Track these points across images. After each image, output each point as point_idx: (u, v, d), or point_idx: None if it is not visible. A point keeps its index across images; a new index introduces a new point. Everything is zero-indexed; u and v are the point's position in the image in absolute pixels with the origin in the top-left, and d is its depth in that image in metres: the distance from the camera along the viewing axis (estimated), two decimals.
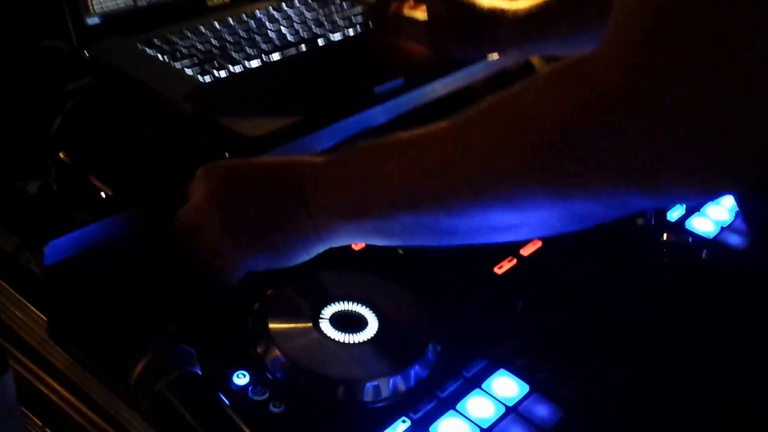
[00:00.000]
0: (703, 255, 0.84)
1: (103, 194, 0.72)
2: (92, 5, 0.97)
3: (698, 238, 0.86)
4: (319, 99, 0.88)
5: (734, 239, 0.87)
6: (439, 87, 0.98)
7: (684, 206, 0.89)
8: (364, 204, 0.62)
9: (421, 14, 0.99)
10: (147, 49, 0.95)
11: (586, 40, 0.88)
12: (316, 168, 0.65)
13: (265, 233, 0.65)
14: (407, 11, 1.00)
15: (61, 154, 0.75)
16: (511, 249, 0.82)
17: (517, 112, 0.55)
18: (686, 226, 0.88)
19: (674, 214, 0.89)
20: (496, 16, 0.92)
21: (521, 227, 0.58)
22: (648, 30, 0.47)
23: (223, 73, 0.92)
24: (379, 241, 0.65)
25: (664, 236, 0.86)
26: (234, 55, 0.96)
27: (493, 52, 0.99)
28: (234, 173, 0.68)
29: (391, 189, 0.61)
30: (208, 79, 0.90)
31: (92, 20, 0.97)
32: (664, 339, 0.73)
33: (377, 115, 0.91)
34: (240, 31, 1.02)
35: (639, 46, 0.47)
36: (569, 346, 0.73)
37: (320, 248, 0.66)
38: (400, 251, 0.78)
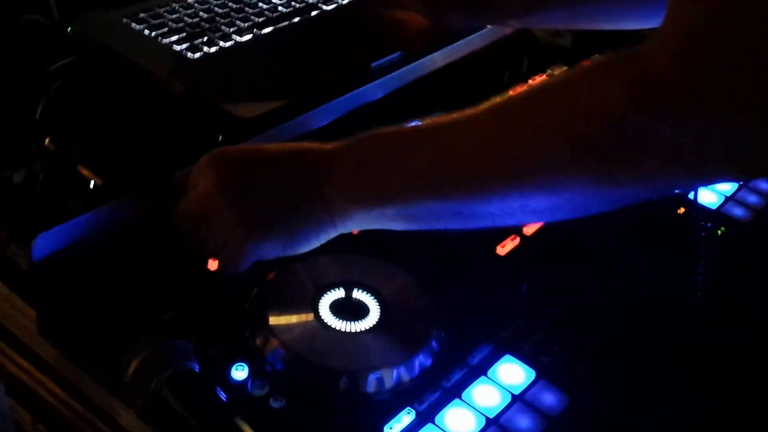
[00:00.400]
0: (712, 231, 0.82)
1: (92, 183, 0.69)
2: None
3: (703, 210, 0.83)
4: (314, 76, 0.85)
5: (738, 211, 0.84)
6: (438, 58, 0.95)
7: None
8: (387, 190, 0.61)
9: None
10: (133, 24, 0.92)
11: (590, 14, 0.86)
12: (330, 155, 0.63)
13: (278, 221, 0.63)
14: None
15: (46, 141, 0.72)
16: (514, 227, 0.79)
17: (565, 101, 0.54)
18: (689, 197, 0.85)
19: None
20: None
21: (557, 210, 0.58)
22: (706, 20, 0.47)
23: (213, 49, 0.88)
24: (397, 227, 0.63)
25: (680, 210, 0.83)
26: (224, 28, 0.92)
27: (494, 21, 0.96)
28: (243, 161, 0.66)
29: (419, 175, 0.60)
30: (198, 55, 0.87)
31: None
32: (675, 321, 0.71)
33: (375, 90, 0.88)
34: (230, 3, 0.98)
35: (697, 37, 0.47)
36: (576, 328, 0.71)
37: (333, 234, 0.64)
38: None
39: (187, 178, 0.69)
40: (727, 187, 0.87)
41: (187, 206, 0.68)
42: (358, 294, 0.69)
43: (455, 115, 0.59)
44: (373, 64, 0.87)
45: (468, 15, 0.92)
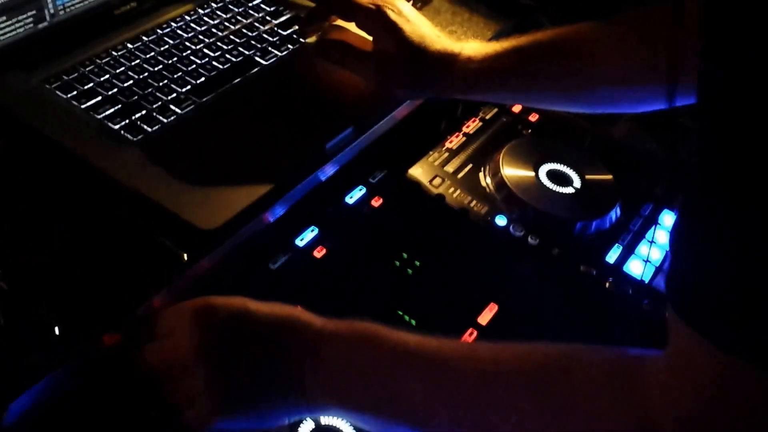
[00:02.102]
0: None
1: (56, 330, 0.64)
2: None
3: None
4: (270, 163, 0.80)
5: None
6: (384, 124, 0.93)
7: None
8: (370, 405, 0.61)
9: (364, 43, 0.92)
10: (59, 93, 0.84)
11: (536, 98, 0.87)
12: (318, 338, 0.62)
13: (252, 401, 0.62)
14: (348, 36, 0.93)
15: None
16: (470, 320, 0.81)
17: (558, 404, 0.54)
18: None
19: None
20: (448, 61, 0.87)
21: None
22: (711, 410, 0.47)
23: (153, 127, 0.82)
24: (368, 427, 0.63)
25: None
26: (160, 95, 0.86)
27: (440, 97, 0.95)
28: (230, 326, 0.63)
29: (404, 406, 0.60)
30: (137, 136, 0.81)
31: None
32: None
33: (328, 168, 0.86)
34: (159, 57, 0.91)
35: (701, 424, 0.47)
36: None
37: (301, 416, 0.64)
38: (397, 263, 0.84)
39: (157, 318, 0.66)
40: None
41: (157, 354, 0.65)
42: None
43: (456, 348, 0.61)
44: (328, 145, 0.84)
45: (414, 89, 0.90)
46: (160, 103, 0.85)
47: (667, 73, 0.77)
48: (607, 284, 0.87)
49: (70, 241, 0.71)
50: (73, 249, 0.70)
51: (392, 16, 0.87)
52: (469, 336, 0.80)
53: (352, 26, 0.93)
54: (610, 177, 0.97)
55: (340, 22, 0.96)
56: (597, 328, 0.82)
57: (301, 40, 0.97)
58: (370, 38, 0.91)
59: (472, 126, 1.05)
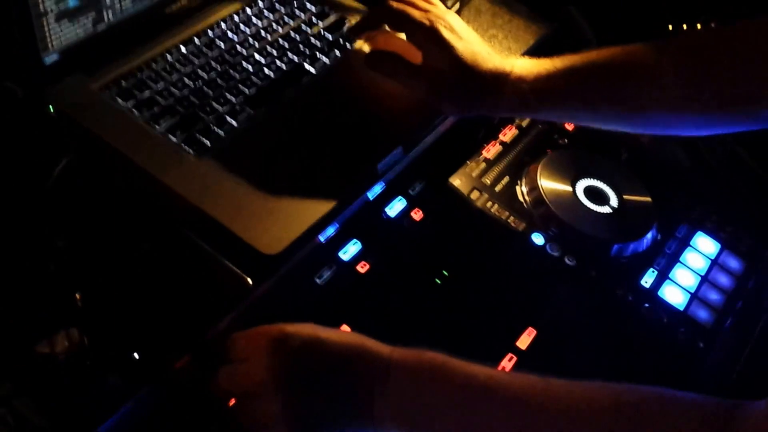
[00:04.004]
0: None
1: (136, 355, 0.67)
2: (50, 38, 0.83)
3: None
4: (324, 184, 0.82)
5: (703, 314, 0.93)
6: (429, 139, 0.95)
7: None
8: None
9: (414, 53, 0.92)
10: (120, 100, 0.85)
11: (588, 119, 0.88)
12: (390, 368, 0.65)
13: (323, 426, 0.66)
14: (398, 44, 0.93)
15: (77, 296, 0.68)
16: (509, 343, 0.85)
17: None
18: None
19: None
20: (499, 80, 0.86)
21: None
22: None
23: (211, 140, 0.84)
24: None
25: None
26: (217, 106, 0.87)
27: (490, 115, 0.96)
28: (305, 354, 0.66)
29: None
30: (197, 150, 0.82)
31: (50, 58, 0.85)
32: None
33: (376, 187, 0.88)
34: (212, 62, 0.92)
35: None
36: None
37: None
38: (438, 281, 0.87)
39: (232, 343, 0.69)
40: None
41: (233, 379, 0.68)
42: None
43: (533, 389, 0.62)
44: (379, 165, 0.86)
45: (463, 108, 0.91)
46: (216, 114, 0.86)
47: (727, 101, 0.79)
48: (644, 310, 0.90)
49: (139, 261, 0.73)
50: (143, 271, 0.72)
51: (445, 33, 0.87)
52: (509, 361, 0.83)
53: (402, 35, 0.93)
54: (648, 199, 0.99)
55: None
56: (634, 356, 0.86)
57: (348, 46, 0.97)
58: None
59: (509, 134, 1.07)
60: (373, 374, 0.65)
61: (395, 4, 0.89)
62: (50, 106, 0.82)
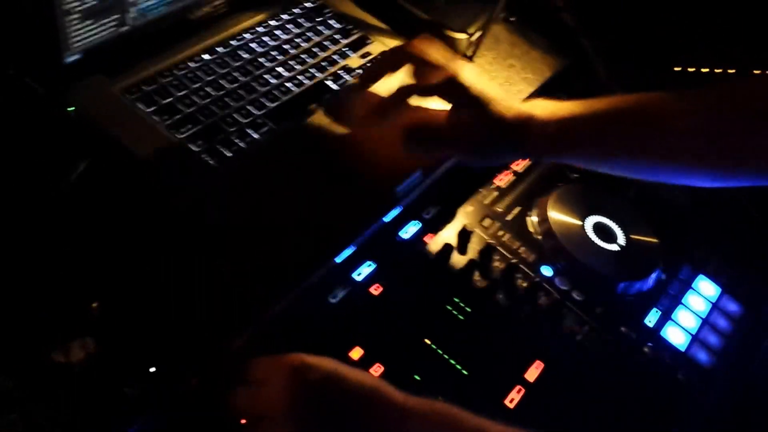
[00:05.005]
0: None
1: (152, 369, 0.66)
2: (73, 38, 0.82)
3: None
4: (343, 206, 0.82)
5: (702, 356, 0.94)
6: (447, 164, 0.95)
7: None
8: None
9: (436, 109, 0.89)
10: (140, 105, 0.84)
11: (611, 167, 0.88)
12: (403, 415, 0.65)
13: None
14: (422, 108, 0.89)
15: (93, 305, 0.67)
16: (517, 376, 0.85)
17: None
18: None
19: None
20: (523, 127, 0.84)
21: None
22: None
23: (232, 151, 0.84)
24: None
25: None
26: (239, 118, 0.87)
27: (514, 160, 0.96)
28: (324, 387, 0.66)
29: None
30: (218, 161, 0.82)
31: (72, 57, 0.83)
32: None
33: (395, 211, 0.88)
34: (235, 73, 0.91)
35: None
36: None
37: None
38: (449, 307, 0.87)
39: (253, 366, 0.68)
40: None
41: (250, 400, 0.67)
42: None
43: None
44: (398, 189, 0.85)
45: (490, 158, 0.91)
46: (238, 126, 0.85)
47: (746, 156, 0.79)
48: (646, 349, 0.90)
49: (157, 273, 0.72)
50: (161, 282, 0.71)
51: (471, 89, 0.83)
52: (517, 393, 0.83)
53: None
54: (655, 240, 1.00)
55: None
56: (636, 394, 0.86)
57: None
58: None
59: (521, 164, 1.07)
60: (387, 420, 0.65)
61: (415, 48, 0.85)
62: (70, 107, 0.80)
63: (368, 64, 0.97)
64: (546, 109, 0.86)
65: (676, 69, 1.31)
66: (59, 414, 0.65)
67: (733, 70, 1.29)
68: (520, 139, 0.85)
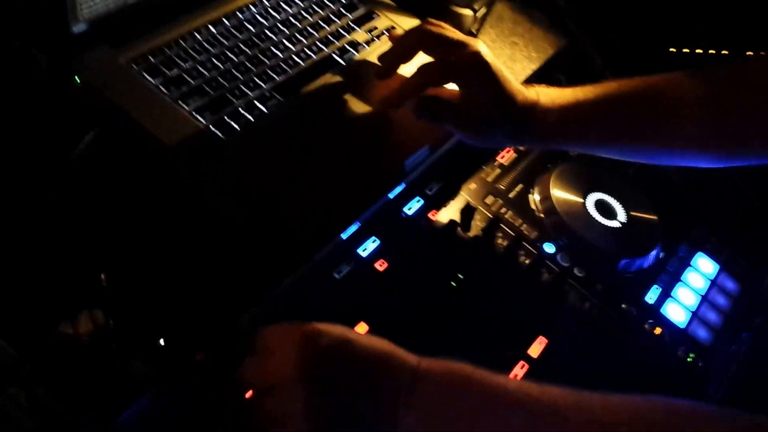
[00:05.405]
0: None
1: (161, 341, 0.66)
2: (80, 7, 0.81)
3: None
4: (352, 180, 0.82)
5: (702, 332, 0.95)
6: (454, 140, 0.95)
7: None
8: None
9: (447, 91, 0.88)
10: (147, 76, 0.83)
11: (615, 153, 0.89)
12: (417, 380, 0.63)
13: (344, 428, 0.64)
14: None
15: (102, 276, 0.67)
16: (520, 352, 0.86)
17: None
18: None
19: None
20: (529, 111, 0.85)
21: None
22: None
23: (240, 124, 0.83)
24: None
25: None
26: (246, 91, 0.86)
27: (518, 146, 0.97)
28: (334, 354, 0.64)
29: None
30: (226, 133, 0.81)
31: (79, 27, 0.83)
32: None
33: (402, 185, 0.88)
34: (242, 45, 0.91)
35: None
36: None
37: None
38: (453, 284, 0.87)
39: (260, 336, 0.68)
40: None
41: (257, 369, 0.67)
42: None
43: (565, 400, 0.61)
44: (406, 163, 0.86)
45: (495, 143, 0.92)
46: (246, 99, 0.85)
47: (748, 136, 0.80)
48: (647, 326, 0.91)
49: (165, 245, 0.71)
50: (171, 255, 0.71)
51: (492, 67, 0.83)
52: (521, 369, 0.84)
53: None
54: (654, 217, 1.01)
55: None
56: (637, 371, 0.87)
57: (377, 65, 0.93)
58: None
59: None
60: (399, 384, 0.63)
61: (432, 27, 0.85)
62: (76, 77, 0.79)
63: (385, 44, 0.95)
64: (548, 96, 0.86)
65: (671, 50, 1.32)
66: (64, 388, 0.65)
67: (726, 52, 1.30)
68: (522, 125, 0.85)
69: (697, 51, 1.31)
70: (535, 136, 0.86)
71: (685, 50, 1.31)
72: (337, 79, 0.91)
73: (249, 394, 0.68)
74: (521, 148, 1.05)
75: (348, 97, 0.90)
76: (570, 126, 0.85)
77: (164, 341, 0.65)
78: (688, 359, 0.92)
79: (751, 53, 1.25)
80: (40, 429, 0.63)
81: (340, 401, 0.64)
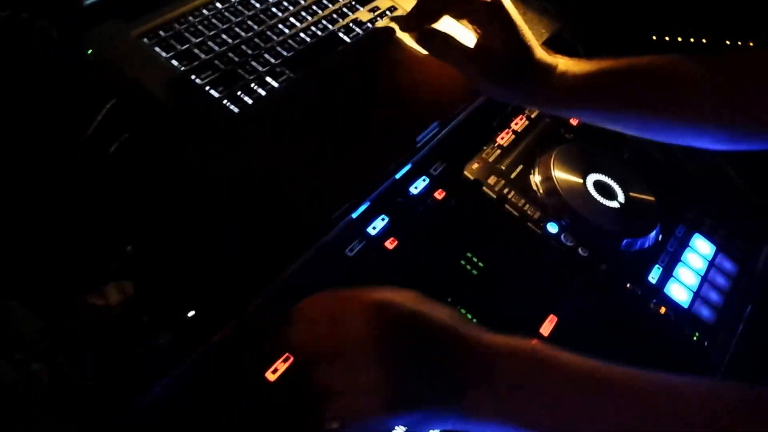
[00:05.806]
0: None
1: (190, 313, 0.65)
2: None
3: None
4: (364, 155, 0.82)
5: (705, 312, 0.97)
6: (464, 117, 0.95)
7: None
8: (548, 424, 0.61)
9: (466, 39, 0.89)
10: (158, 50, 0.82)
11: (623, 125, 0.90)
12: (488, 353, 0.62)
13: (412, 403, 0.61)
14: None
15: (128, 248, 0.65)
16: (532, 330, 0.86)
17: None
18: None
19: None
20: (546, 71, 0.86)
21: None
22: None
23: (252, 98, 0.82)
24: None
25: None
26: (257, 66, 0.85)
27: (524, 105, 0.97)
28: (402, 326, 0.62)
29: (590, 429, 0.60)
30: (237, 108, 0.80)
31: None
32: None
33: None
34: (249, 21, 0.90)
35: None
36: None
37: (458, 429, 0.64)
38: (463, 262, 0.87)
39: (310, 305, 0.65)
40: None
41: (302, 338, 0.64)
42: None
43: (649, 383, 0.61)
44: (418, 139, 0.85)
45: (508, 93, 0.90)
46: (257, 74, 0.84)
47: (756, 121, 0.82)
48: (652, 305, 0.93)
49: (187, 221, 0.70)
50: (196, 226, 0.70)
51: (512, 13, 0.84)
52: None
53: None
54: (652, 198, 1.03)
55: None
56: (644, 349, 0.88)
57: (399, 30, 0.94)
58: (470, 34, 0.88)
59: (520, 123, 1.08)
60: (471, 358, 0.62)
61: None
62: (88, 50, 0.77)
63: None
64: (567, 64, 0.87)
65: (653, 38, 1.34)
66: (88, 361, 0.63)
67: (705, 41, 1.32)
68: (539, 83, 0.86)
69: (679, 39, 1.33)
70: (550, 96, 0.86)
71: (666, 38, 1.34)
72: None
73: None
74: (516, 125, 1.05)
75: (358, 73, 0.89)
76: (587, 90, 0.86)
77: (194, 312, 0.64)
78: (694, 338, 0.93)
79: (729, 42, 1.27)
80: (62, 409, 0.61)
81: (409, 374, 0.61)
